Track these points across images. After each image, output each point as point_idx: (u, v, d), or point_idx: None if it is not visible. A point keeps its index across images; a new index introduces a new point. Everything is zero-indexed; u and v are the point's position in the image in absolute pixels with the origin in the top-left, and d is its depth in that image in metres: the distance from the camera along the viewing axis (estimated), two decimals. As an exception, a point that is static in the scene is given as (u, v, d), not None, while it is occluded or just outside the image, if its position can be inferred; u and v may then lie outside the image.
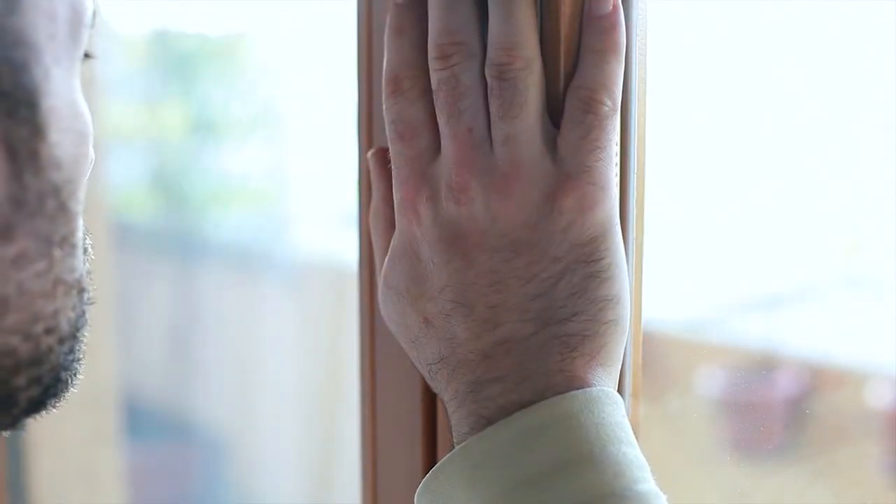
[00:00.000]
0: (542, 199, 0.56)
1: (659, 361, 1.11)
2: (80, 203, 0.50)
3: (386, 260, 0.61)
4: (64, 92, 0.48)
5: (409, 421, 0.72)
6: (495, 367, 0.56)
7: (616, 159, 0.60)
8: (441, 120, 0.58)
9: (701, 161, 1.01)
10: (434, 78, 0.58)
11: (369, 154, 0.65)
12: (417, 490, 0.58)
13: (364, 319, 0.73)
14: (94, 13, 0.52)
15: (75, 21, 0.50)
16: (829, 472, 1.11)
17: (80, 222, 0.51)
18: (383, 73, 0.61)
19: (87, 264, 0.52)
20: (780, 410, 1.19)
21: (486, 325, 0.57)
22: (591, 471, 0.54)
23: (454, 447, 0.57)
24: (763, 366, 1.16)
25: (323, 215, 2.39)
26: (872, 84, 0.94)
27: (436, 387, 0.60)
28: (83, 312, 0.51)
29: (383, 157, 0.63)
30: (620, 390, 0.64)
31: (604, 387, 0.56)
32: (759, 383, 1.12)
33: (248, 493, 2.49)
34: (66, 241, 0.49)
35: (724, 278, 1.15)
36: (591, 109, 0.57)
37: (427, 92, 0.59)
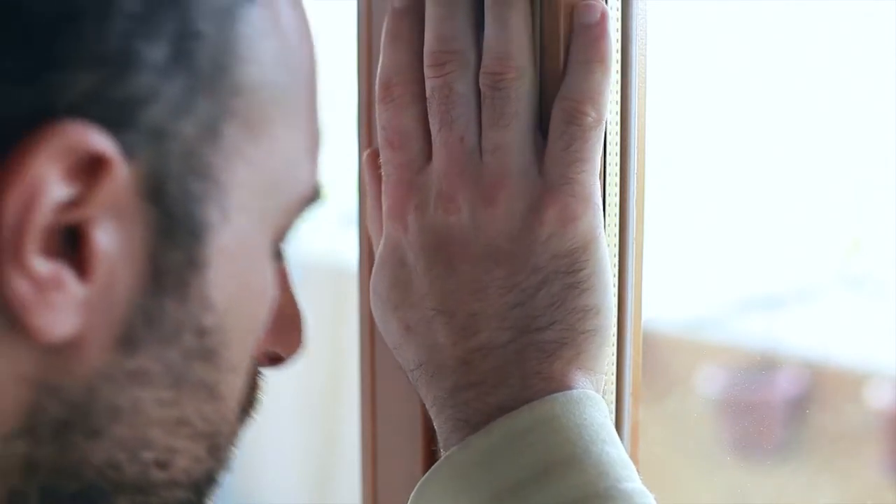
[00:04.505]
0: (526, 209, 0.57)
1: (659, 361, 1.11)
2: (238, 360, 0.48)
3: (374, 266, 0.62)
4: (244, 244, 0.46)
5: (409, 421, 0.72)
6: (472, 372, 0.57)
7: (616, 159, 0.60)
8: (433, 128, 0.58)
9: (701, 161, 1.01)
10: (428, 85, 0.58)
11: (363, 156, 0.65)
12: (408, 502, 0.59)
13: (364, 319, 0.74)
14: (317, 191, 0.50)
15: (285, 190, 0.48)
16: (829, 472, 1.10)
17: (239, 381, 0.49)
18: (376, 78, 0.61)
19: (240, 429, 0.51)
20: (780, 410, 1.18)
21: (465, 332, 0.57)
22: (575, 471, 0.54)
23: (441, 453, 0.58)
24: (763, 366, 1.16)
25: (323, 215, 2.39)
26: (872, 84, 0.94)
27: (419, 392, 0.60)
28: (210, 475, 0.49)
29: (376, 160, 0.63)
30: (620, 390, 0.64)
31: (584, 389, 0.57)
32: (759, 383, 1.12)
33: (248, 493, 2.49)
34: (205, 387, 0.47)
35: (724, 278, 1.15)
36: (574, 121, 0.57)
37: (419, 99, 0.59)
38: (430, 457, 0.71)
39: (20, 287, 0.41)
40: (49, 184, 0.40)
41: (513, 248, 0.57)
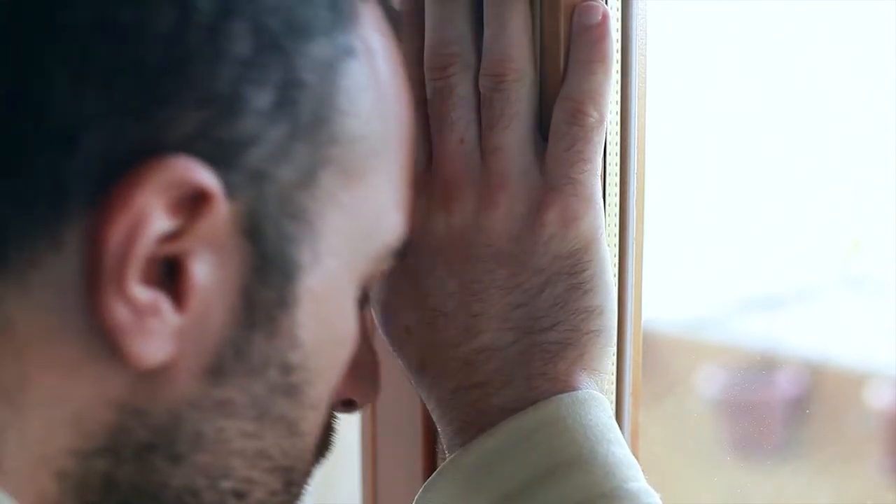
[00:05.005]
0: (528, 210, 0.57)
1: (659, 361, 1.11)
2: (319, 399, 0.50)
3: None
4: (332, 287, 0.48)
5: (409, 421, 0.72)
6: (476, 373, 0.57)
7: (616, 159, 0.60)
8: (434, 129, 0.59)
9: (701, 161, 1.01)
10: (429, 88, 0.59)
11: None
12: None
13: (364, 320, 0.73)
14: (404, 242, 0.52)
15: (375, 238, 0.50)
16: (828, 472, 1.11)
17: (319, 419, 0.51)
18: None
19: (315, 467, 0.52)
20: (780, 410, 1.19)
21: (467, 334, 0.57)
22: (581, 472, 0.54)
23: (444, 454, 0.58)
24: (763, 366, 1.16)
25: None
26: (872, 84, 0.94)
27: (421, 394, 0.60)
28: None
29: None
30: (620, 390, 0.64)
31: (589, 389, 0.57)
32: (759, 383, 1.12)
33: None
34: (286, 422, 0.49)
35: (724, 278, 1.15)
36: (576, 121, 0.57)
37: (420, 101, 0.59)
38: (431, 457, 0.71)
39: (120, 313, 0.43)
40: (154, 215, 0.42)
41: (514, 248, 0.57)
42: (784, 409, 1.19)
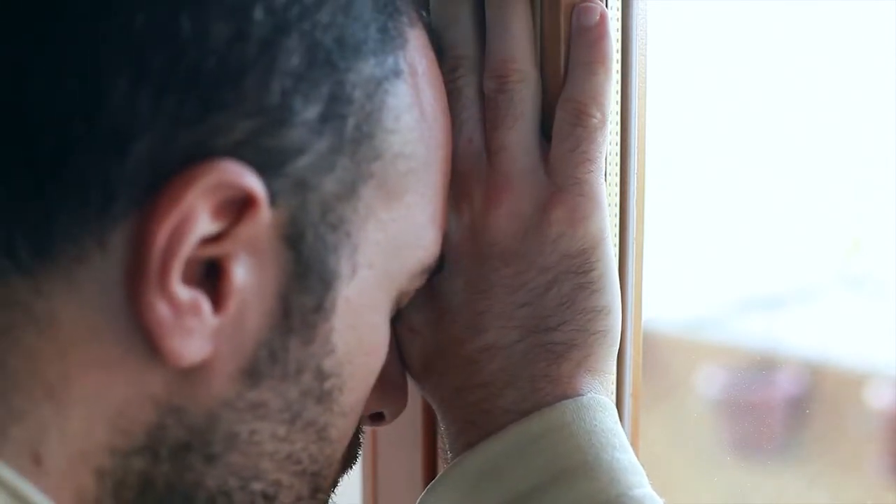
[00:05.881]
0: (533, 210, 0.57)
1: (659, 361, 1.11)
2: (349, 407, 0.51)
3: None
4: (367, 298, 0.50)
5: (409, 422, 0.72)
6: (479, 372, 0.57)
7: (616, 159, 0.60)
8: None
9: (701, 161, 1.01)
10: None
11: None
12: None
13: (364, 320, 0.73)
14: (439, 260, 0.54)
15: (410, 254, 0.51)
16: (829, 473, 1.10)
17: (348, 427, 0.52)
18: None
19: (341, 479, 0.53)
20: (780, 410, 1.18)
21: (472, 331, 0.57)
22: (586, 479, 0.54)
23: (447, 454, 0.58)
24: (763, 366, 1.16)
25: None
26: (872, 84, 0.94)
27: (425, 395, 0.60)
28: None
29: None
30: (620, 390, 0.64)
31: (593, 393, 0.57)
32: (759, 383, 1.12)
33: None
34: (315, 428, 0.50)
35: (724, 278, 1.15)
36: (580, 122, 0.57)
37: None
38: (431, 457, 0.71)
39: (161, 311, 0.44)
40: (199, 217, 0.43)
41: (520, 247, 0.57)
42: (784, 409, 1.19)
